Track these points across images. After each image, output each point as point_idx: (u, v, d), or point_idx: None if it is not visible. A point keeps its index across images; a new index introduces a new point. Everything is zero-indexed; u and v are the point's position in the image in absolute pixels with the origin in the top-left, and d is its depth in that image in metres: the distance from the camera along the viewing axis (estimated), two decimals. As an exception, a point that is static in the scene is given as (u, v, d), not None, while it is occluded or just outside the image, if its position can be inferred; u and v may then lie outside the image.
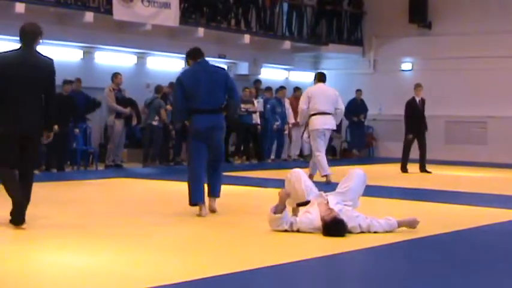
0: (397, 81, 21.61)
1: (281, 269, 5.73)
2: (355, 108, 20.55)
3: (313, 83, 13.44)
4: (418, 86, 16.01)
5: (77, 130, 14.66)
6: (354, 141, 21.18)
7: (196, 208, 8.54)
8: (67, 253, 6.24)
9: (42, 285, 5.19)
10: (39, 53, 8.08)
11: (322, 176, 12.58)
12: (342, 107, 13.10)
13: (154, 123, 16.04)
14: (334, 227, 7.06)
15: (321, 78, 13.24)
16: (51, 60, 8.13)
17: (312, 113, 12.64)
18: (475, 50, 20.07)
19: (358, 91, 20.78)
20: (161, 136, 16.04)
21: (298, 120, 13.42)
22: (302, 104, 12.80)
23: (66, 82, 14.44)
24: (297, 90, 19.70)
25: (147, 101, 16.41)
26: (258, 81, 19.45)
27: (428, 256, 6.49)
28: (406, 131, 16.01)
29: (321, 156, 12.67)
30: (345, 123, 21.03)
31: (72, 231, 7.44)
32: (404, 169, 15.93)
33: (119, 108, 15.36)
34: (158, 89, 16.30)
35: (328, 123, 12.75)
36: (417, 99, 15.89)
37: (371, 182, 13.03)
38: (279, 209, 7.29)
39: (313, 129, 12.68)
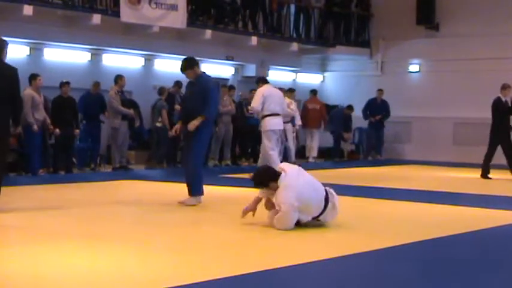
0: (405, 83, 21.62)
1: (286, 272, 5.73)
2: (375, 108, 20.41)
3: (257, 86, 13.92)
4: (508, 87, 15.15)
5: (77, 131, 14.62)
6: (371, 143, 20.91)
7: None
8: (73, 255, 6.25)
9: (50, 287, 5.21)
10: (4, 63, 8.95)
11: None
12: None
13: (158, 125, 16.05)
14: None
15: (266, 80, 14.05)
16: (15, 69, 8.94)
17: (266, 114, 13.20)
18: (483, 52, 20.03)
19: (379, 91, 20.48)
20: (166, 137, 16.03)
21: (258, 116, 13.75)
22: (257, 105, 13.17)
23: (63, 84, 14.40)
24: (313, 92, 19.79)
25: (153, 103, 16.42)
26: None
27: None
28: (494, 134, 15.22)
29: (274, 155, 13.27)
30: (354, 124, 21.02)
31: (78, 233, 7.46)
32: (485, 175, 15.20)
33: (125, 110, 15.33)
34: (161, 90, 16.29)
35: (281, 124, 13.67)
36: (503, 99, 15.13)
37: (383, 184, 13.10)
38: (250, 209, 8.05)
39: (269, 130, 13.28)
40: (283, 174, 7.77)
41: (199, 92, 9.81)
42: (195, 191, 9.77)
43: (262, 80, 14.09)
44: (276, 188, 7.74)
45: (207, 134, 10.02)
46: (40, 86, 13.97)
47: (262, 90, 13.56)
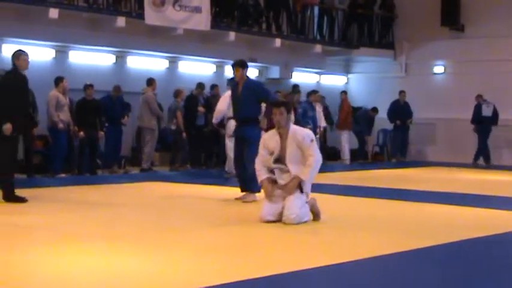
0: (429, 85, 21.51)
1: (316, 272, 5.71)
2: (399, 111, 20.30)
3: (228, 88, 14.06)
4: None
5: (101, 133, 14.70)
6: (396, 146, 20.80)
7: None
8: (97, 256, 6.28)
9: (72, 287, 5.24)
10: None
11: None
12: None
13: (173, 127, 16.10)
14: None
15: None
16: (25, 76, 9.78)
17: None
18: (509, 53, 19.90)
19: (402, 93, 20.39)
20: (182, 139, 16.08)
21: (213, 120, 13.60)
22: (223, 106, 13.02)
23: (87, 86, 14.49)
24: (343, 93, 19.78)
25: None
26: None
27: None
28: None
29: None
30: (377, 126, 20.96)
31: (102, 234, 7.48)
32: None
33: (161, 112, 15.62)
34: (177, 92, 16.33)
35: None
36: None
37: (408, 186, 13.04)
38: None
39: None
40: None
41: (250, 94, 10.31)
42: (254, 187, 10.08)
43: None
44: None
45: (260, 134, 10.33)
46: (66, 89, 14.11)
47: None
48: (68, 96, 14.29)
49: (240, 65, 10.54)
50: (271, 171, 8.39)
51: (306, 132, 8.38)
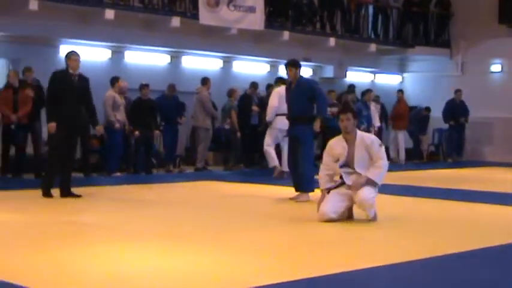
0: (486, 84, 21.17)
1: (371, 272, 5.68)
2: (454, 110, 19.98)
3: (275, 86, 14.51)
4: None
5: (157, 132, 14.80)
6: (451, 146, 20.50)
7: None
8: (151, 255, 6.32)
9: (127, 285, 5.29)
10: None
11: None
12: None
13: (226, 126, 16.14)
14: None
15: (283, 81, 14.10)
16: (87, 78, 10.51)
17: (280, 113, 13.31)
18: None
19: (458, 91, 20.03)
20: (236, 139, 16.12)
21: (267, 118, 13.77)
22: (274, 102, 13.28)
23: (142, 86, 14.61)
24: (400, 92, 19.60)
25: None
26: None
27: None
28: None
29: (271, 150, 13.88)
30: (432, 126, 20.72)
31: (156, 232, 7.54)
32: None
33: (215, 112, 15.71)
34: (231, 92, 16.36)
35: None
36: None
37: (464, 186, 12.87)
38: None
39: (277, 128, 13.54)
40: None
41: (303, 93, 10.39)
42: (305, 188, 10.24)
43: (280, 81, 14.52)
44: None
45: (312, 134, 10.58)
46: (124, 88, 14.33)
47: (279, 90, 13.50)
48: (125, 96, 14.49)
49: (293, 65, 10.57)
50: (334, 176, 8.49)
51: (374, 137, 8.55)
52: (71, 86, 10.20)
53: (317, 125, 10.33)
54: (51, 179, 10.27)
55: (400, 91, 20.26)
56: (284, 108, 13.16)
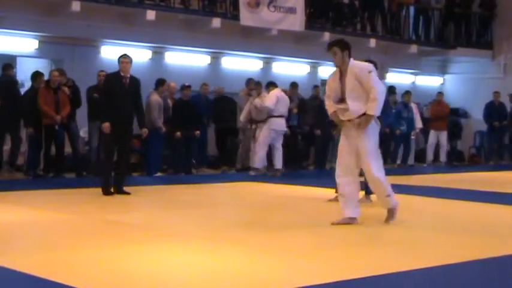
0: (530, 86, 20.87)
1: (403, 276, 5.63)
2: (494, 112, 19.73)
3: (267, 89, 14.83)
4: None
5: (198, 132, 14.82)
6: (492, 148, 20.26)
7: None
8: (195, 255, 6.34)
9: (172, 285, 5.30)
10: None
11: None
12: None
13: None
14: None
15: (276, 84, 14.97)
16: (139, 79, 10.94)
17: (276, 114, 14.42)
18: None
19: (496, 93, 19.74)
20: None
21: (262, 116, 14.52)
22: (271, 104, 14.30)
23: (184, 87, 14.65)
24: (439, 94, 19.45)
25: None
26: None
27: None
28: None
29: (263, 150, 14.54)
30: (474, 128, 20.49)
31: (200, 233, 7.56)
32: None
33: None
34: None
35: (284, 125, 14.84)
36: None
37: (505, 189, 12.70)
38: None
39: (274, 129, 14.43)
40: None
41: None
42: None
43: (273, 84, 14.94)
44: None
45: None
46: (172, 90, 14.52)
47: (277, 92, 14.57)
48: (172, 97, 14.62)
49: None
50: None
51: (364, 64, 8.07)
52: (122, 88, 10.54)
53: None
54: (108, 177, 10.61)
55: (440, 93, 20.00)
56: (280, 110, 14.52)
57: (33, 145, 13.11)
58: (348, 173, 8.09)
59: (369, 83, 7.81)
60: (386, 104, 9.98)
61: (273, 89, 14.72)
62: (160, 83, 14.17)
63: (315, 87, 16.99)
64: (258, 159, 14.50)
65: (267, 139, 14.43)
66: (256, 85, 14.88)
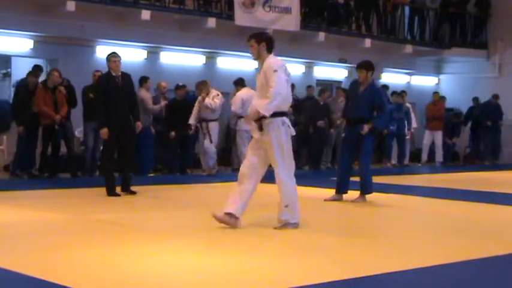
0: (525, 86, 20.91)
1: (401, 276, 5.64)
2: (489, 112, 19.77)
3: (236, 88, 14.75)
4: None
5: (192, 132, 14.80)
6: (487, 147, 20.28)
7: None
8: (189, 255, 6.35)
9: (167, 285, 5.31)
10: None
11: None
12: None
13: None
14: None
15: (244, 83, 14.77)
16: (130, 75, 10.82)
17: (244, 115, 13.92)
18: None
19: (495, 96, 19.71)
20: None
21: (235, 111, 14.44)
22: (237, 108, 14.17)
23: (178, 87, 14.66)
24: (436, 94, 19.49)
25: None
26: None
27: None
28: None
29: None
30: (469, 127, 20.51)
31: (194, 233, 7.56)
32: None
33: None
34: None
35: None
36: None
37: (499, 189, 12.73)
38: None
39: (244, 130, 14.10)
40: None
41: (372, 99, 10.34)
42: (369, 189, 10.35)
43: (240, 83, 14.78)
44: None
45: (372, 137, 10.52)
46: (161, 90, 14.45)
47: (241, 94, 14.36)
48: (165, 96, 14.61)
49: (366, 67, 10.48)
50: None
51: (273, 62, 7.64)
52: (115, 89, 10.49)
53: (366, 128, 10.22)
54: (111, 178, 10.61)
55: (436, 93, 20.01)
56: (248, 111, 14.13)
57: (22, 144, 13.01)
58: (252, 170, 7.85)
59: (269, 81, 7.50)
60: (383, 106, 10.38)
61: (241, 88, 14.62)
62: (143, 80, 14.17)
63: (309, 87, 17.01)
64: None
65: (243, 141, 14.33)
66: (201, 84, 14.43)
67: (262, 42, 7.71)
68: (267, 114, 7.54)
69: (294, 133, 7.88)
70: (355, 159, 10.54)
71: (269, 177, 8.03)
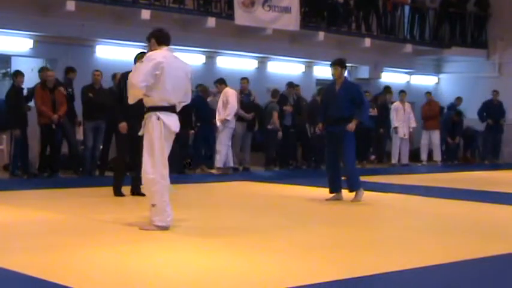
0: (524, 85, 20.89)
1: (402, 275, 5.64)
2: (491, 110, 19.73)
3: (216, 86, 14.98)
4: None
5: (191, 132, 14.80)
6: (488, 147, 20.28)
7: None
8: (188, 254, 6.36)
9: (167, 285, 5.32)
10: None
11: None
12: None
13: (269, 127, 16.08)
14: None
15: (225, 82, 14.87)
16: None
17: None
18: None
19: (495, 92, 19.76)
20: (276, 139, 16.06)
21: (228, 117, 14.44)
22: (235, 103, 14.44)
23: None
24: (428, 94, 19.45)
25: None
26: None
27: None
28: None
29: (228, 149, 14.76)
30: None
31: (193, 233, 7.56)
32: None
33: (242, 112, 15.61)
34: (274, 93, 16.31)
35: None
36: None
37: (500, 189, 12.73)
38: None
39: (232, 127, 14.58)
40: None
41: (347, 94, 10.38)
42: (356, 186, 10.34)
43: (224, 82, 14.87)
44: None
45: (354, 135, 10.53)
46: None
47: (233, 92, 14.62)
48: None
49: (340, 64, 10.53)
50: None
51: (149, 53, 7.86)
52: None
53: (353, 126, 10.26)
54: (120, 177, 10.53)
55: (429, 92, 19.96)
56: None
57: (19, 145, 12.98)
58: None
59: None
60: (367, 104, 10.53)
61: (224, 87, 14.72)
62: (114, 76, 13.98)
63: (295, 86, 16.96)
64: (222, 157, 14.54)
65: (227, 138, 14.55)
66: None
67: (152, 38, 7.97)
68: (146, 105, 7.54)
69: (176, 130, 7.65)
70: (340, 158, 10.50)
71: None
